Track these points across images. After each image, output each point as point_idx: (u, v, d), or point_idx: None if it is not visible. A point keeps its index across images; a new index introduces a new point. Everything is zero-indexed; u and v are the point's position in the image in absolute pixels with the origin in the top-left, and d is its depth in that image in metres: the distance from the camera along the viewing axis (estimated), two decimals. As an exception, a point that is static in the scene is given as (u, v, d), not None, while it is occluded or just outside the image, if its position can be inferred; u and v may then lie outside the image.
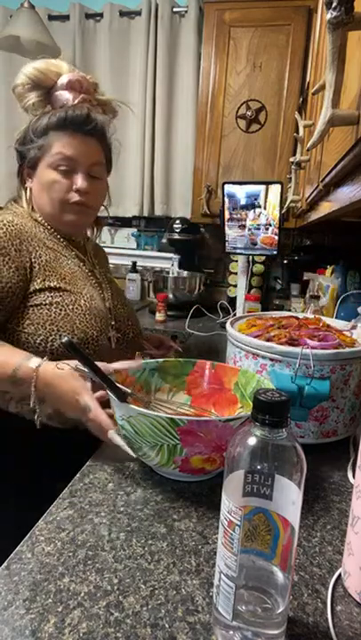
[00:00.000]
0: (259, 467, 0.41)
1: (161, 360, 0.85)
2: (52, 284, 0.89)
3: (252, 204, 1.56)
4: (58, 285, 0.90)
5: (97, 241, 1.22)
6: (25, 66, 0.94)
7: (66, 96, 0.94)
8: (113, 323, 0.99)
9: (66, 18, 2.34)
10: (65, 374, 0.75)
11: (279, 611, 0.43)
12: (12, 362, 0.77)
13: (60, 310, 0.88)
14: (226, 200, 1.59)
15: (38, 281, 0.88)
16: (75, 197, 0.94)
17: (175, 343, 1.24)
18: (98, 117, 0.95)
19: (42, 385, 0.76)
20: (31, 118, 0.96)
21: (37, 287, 0.88)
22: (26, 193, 0.99)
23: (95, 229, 1.17)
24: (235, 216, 1.60)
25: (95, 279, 1.01)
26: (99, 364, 0.71)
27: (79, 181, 0.94)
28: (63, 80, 0.94)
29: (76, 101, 0.94)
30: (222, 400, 0.82)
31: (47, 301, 0.88)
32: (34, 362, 0.77)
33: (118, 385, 0.69)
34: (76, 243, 1.03)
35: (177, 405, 0.82)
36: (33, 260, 0.89)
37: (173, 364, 0.85)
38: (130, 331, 1.03)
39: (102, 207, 1.07)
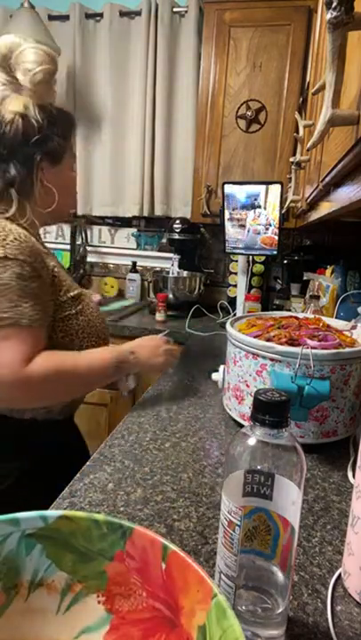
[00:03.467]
0: (259, 467, 0.41)
1: (52, 516, 0.38)
2: (69, 294, 0.89)
3: (251, 204, 1.56)
4: (72, 294, 0.90)
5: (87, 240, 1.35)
6: (37, 53, 0.87)
7: (56, 93, 0.94)
8: None
9: (66, 18, 2.34)
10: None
11: (279, 611, 0.43)
12: (107, 358, 0.89)
13: (84, 317, 0.92)
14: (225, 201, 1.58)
15: (60, 293, 0.88)
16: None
17: None
18: None
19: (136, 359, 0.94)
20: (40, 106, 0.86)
21: (61, 299, 0.88)
22: (36, 190, 0.89)
23: None
24: (235, 216, 1.60)
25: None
26: None
27: None
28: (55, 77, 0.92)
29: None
30: None
31: (72, 312, 0.90)
32: (123, 349, 0.94)
33: None
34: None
35: None
36: (52, 275, 0.87)
37: (80, 526, 0.38)
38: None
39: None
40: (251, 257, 1.83)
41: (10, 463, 0.89)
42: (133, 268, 2.45)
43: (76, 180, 1.02)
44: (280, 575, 0.43)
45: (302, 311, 1.44)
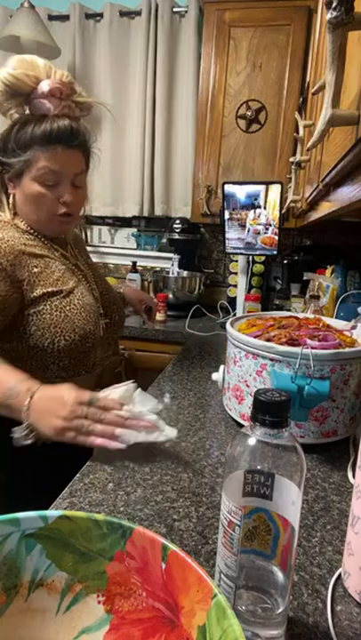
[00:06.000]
0: (259, 467, 0.41)
1: (52, 516, 0.39)
2: (47, 290, 0.93)
3: (252, 204, 1.56)
4: (53, 290, 0.94)
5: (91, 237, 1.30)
6: None
7: (47, 105, 0.92)
8: (101, 311, 1.06)
9: (66, 18, 2.34)
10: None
11: (279, 611, 0.43)
12: (6, 383, 0.76)
13: (60, 313, 0.93)
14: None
15: (37, 290, 0.92)
16: (61, 209, 0.96)
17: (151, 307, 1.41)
18: (80, 130, 0.95)
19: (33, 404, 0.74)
20: (10, 123, 0.95)
21: (36, 295, 0.92)
22: (8, 199, 0.99)
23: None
24: (235, 216, 1.60)
25: (81, 272, 1.05)
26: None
27: (65, 195, 0.95)
28: (43, 88, 0.91)
29: (57, 111, 0.92)
30: None
31: (47, 307, 0.93)
32: (28, 385, 0.76)
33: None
34: (59, 240, 1.05)
35: None
36: (27, 274, 0.92)
37: (80, 526, 0.39)
38: (115, 314, 1.11)
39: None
40: (251, 257, 1.83)
41: None
42: (133, 268, 2.45)
43: (50, 195, 0.95)
44: (280, 575, 0.43)
45: (302, 311, 1.44)
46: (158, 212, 2.38)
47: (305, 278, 1.82)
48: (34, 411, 0.73)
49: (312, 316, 1.07)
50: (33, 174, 0.93)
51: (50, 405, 0.72)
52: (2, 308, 0.87)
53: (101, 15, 2.30)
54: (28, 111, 0.95)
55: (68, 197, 0.95)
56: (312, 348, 0.79)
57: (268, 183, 1.54)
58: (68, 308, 0.95)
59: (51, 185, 0.94)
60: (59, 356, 0.93)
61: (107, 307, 1.09)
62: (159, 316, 2.01)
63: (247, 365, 0.85)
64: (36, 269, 0.94)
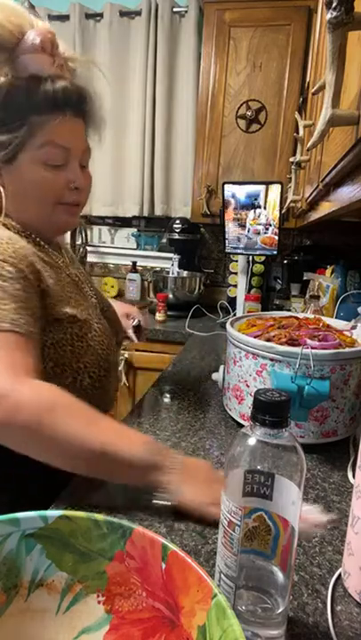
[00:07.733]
0: (259, 467, 0.41)
1: (52, 516, 0.39)
2: (65, 310, 0.73)
3: (252, 204, 1.56)
4: (70, 312, 0.74)
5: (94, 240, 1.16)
6: None
7: (39, 62, 0.70)
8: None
9: (66, 18, 2.34)
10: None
11: (279, 611, 0.43)
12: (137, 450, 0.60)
13: (82, 343, 0.74)
14: (232, 200, 1.58)
15: (56, 307, 0.72)
16: (72, 197, 0.77)
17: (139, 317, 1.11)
18: (90, 91, 0.75)
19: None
20: None
21: (55, 315, 0.72)
22: None
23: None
24: (235, 216, 1.60)
25: (83, 285, 0.87)
26: None
27: (77, 178, 0.76)
28: (33, 40, 0.68)
29: (52, 70, 0.71)
30: None
31: (67, 336, 0.73)
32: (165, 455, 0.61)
33: None
34: (54, 246, 0.84)
35: None
36: (43, 283, 0.71)
37: (80, 526, 0.39)
38: (119, 334, 0.99)
39: None
40: (251, 257, 1.84)
41: None
42: (133, 268, 2.45)
43: (57, 179, 0.74)
44: (280, 575, 0.43)
45: (302, 311, 1.44)
46: (158, 212, 2.38)
47: (305, 278, 1.82)
48: (185, 490, 0.59)
49: (312, 316, 1.07)
50: (32, 154, 0.72)
51: (201, 486, 0.60)
52: (39, 323, 0.68)
53: (101, 15, 2.30)
54: (10, 76, 0.70)
55: (81, 182, 0.76)
56: (312, 347, 0.79)
57: (268, 183, 1.54)
58: (89, 335, 0.75)
59: (57, 166, 0.73)
60: (79, 396, 0.64)
61: (111, 325, 0.90)
62: (159, 316, 2.01)
63: (247, 365, 0.85)
64: (50, 280, 0.73)
